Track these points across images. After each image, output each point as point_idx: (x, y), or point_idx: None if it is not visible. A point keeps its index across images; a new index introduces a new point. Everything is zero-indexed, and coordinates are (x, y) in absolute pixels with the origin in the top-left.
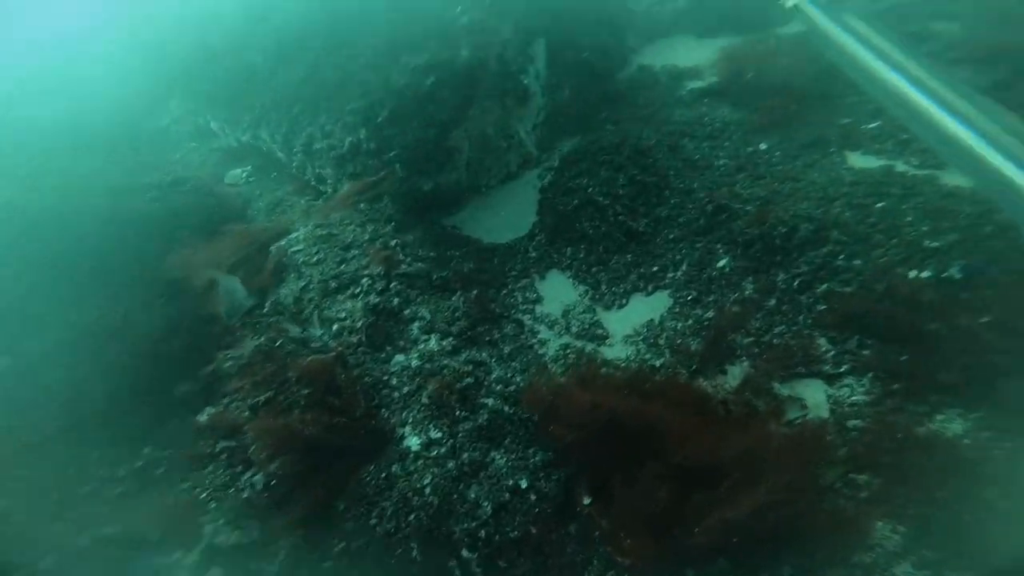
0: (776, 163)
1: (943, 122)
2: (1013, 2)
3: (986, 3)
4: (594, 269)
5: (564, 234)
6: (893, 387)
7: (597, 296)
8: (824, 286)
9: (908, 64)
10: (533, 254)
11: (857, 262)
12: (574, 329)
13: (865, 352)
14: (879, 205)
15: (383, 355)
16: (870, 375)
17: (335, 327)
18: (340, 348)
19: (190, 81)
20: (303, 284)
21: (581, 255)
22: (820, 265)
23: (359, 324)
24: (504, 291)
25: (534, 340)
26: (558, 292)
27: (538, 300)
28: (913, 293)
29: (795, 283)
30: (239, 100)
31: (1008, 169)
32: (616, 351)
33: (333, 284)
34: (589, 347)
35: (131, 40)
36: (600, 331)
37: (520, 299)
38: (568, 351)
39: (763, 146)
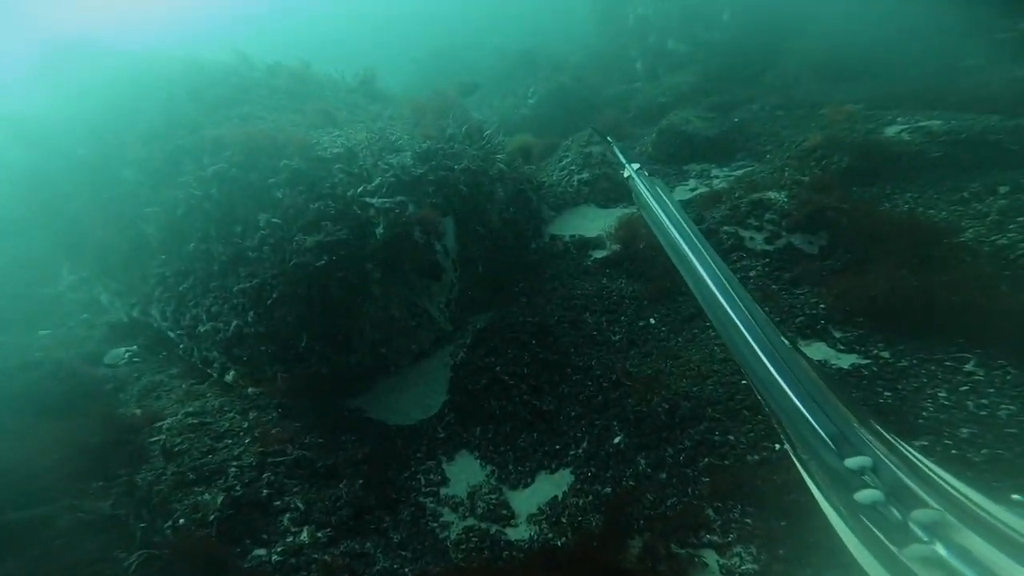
0: (662, 338)
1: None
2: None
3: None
4: (502, 448)
5: (474, 414)
6: (779, 552)
7: (504, 476)
8: (705, 460)
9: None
10: (442, 434)
11: (731, 437)
12: (479, 510)
13: (748, 520)
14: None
15: (238, 550)
16: (756, 542)
17: (182, 521)
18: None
19: (82, 246)
20: (154, 476)
21: (490, 435)
22: (700, 440)
23: (211, 517)
24: (406, 474)
25: (435, 524)
26: (465, 473)
27: (443, 482)
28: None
29: (680, 457)
30: (132, 270)
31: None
32: (521, 532)
33: (191, 476)
34: (494, 528)
35: (29, 196)
36: (506, 511)
37: (423, 481)
38: (472, 534)
39: (652, 320)
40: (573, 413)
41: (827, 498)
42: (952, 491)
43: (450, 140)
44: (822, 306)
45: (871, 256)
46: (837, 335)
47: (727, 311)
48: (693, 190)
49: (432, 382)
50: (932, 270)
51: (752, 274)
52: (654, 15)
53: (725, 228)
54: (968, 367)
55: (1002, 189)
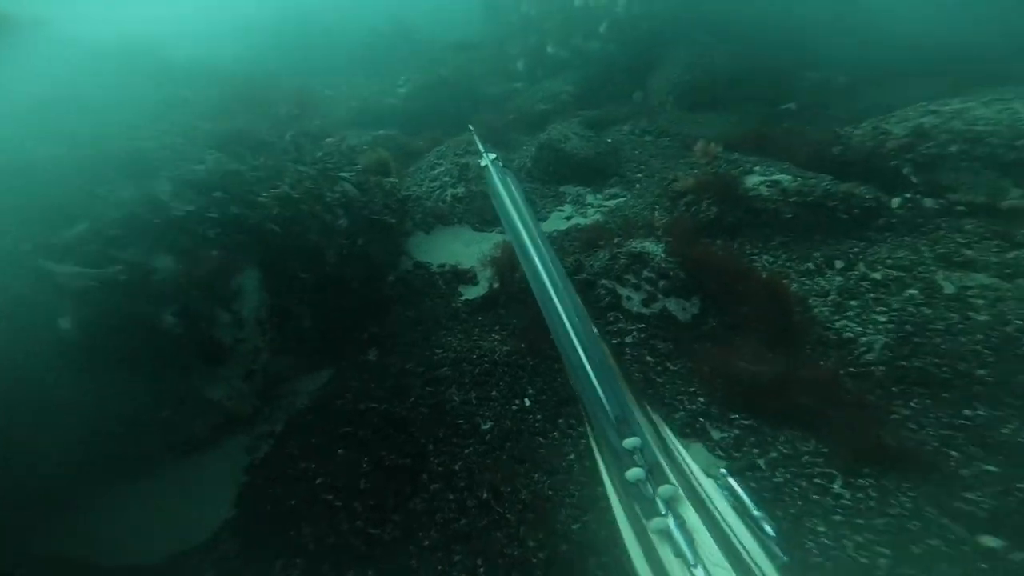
0: (537, 430)
1: None
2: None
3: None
4: None
5: (273, 543)
6: None
7: None
8: None
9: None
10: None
11: None
12: None
13: None
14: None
15: None
16: None
17: None
18: None
19: None
20: None
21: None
22: None
23: None
24: None
25: None
26: None
27: None
28: None
29: None
30: None
31: None
32: None
33: None
34: None
35: None
36: None
37: None
38: None
39: (527, 401)
40: (426, 543)
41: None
42: (688, 470)
43: (262, 151)
44: (701, 399)
45: (739, 324)
46: (715, 436)
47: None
48: (568, 218)
49: (204, 492)
50: (791, 350)
51: (628, 340)
52: (537, 15)
53: (603, 282)
54: (836, 487)
55: (838, 264)
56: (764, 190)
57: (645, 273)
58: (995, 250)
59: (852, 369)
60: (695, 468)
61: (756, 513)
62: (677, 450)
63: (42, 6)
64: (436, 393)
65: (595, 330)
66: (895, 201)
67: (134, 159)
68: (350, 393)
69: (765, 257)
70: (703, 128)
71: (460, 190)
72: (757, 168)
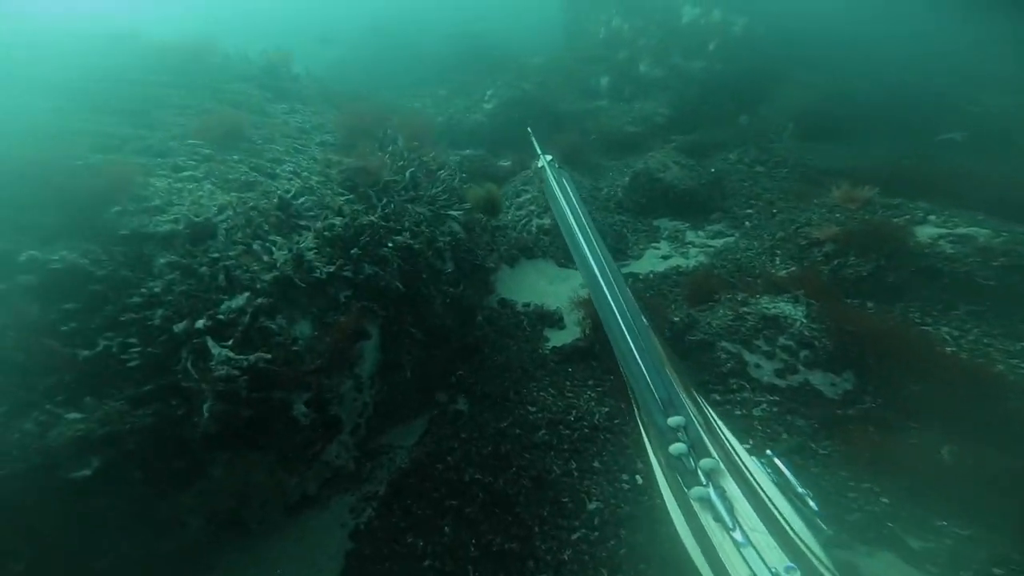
0: (656, 516)
1: None
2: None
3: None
4: None
5: None
6: None
7: None
8: None
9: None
10: None
11: None
12: None
13: None
14: None
15: None
16: None
17: None
18: None
19: None
20: None
21: None
22: None
23: None
24: None
25: None
26: None
27: None
28: None
29: None
30: None
31: None
32: None
33: None
34: None
35: None
36: None
37: None
38: None
39: (638, 478)
40: None
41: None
42: (729, 446)
43: (385, 192)
44: (883, 499)
45: (913, 408)
46: (914, 545)
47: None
48: (666, 258)
49: (315, 558)
50: (1006, 444)
51: (756, 412)
52: (629, 31)
53: (725, 344)
54: None
55: None
56: (947, 246)
57: (782, 340)
58: None
59: None
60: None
61: (800, 490)
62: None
63: None
64: (535, 462)
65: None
66: None
67: (283, 207)
68: (450, 457)
69: (945, 329)
70: (830, 160)
71: (546, 221)
72: (932, 217)
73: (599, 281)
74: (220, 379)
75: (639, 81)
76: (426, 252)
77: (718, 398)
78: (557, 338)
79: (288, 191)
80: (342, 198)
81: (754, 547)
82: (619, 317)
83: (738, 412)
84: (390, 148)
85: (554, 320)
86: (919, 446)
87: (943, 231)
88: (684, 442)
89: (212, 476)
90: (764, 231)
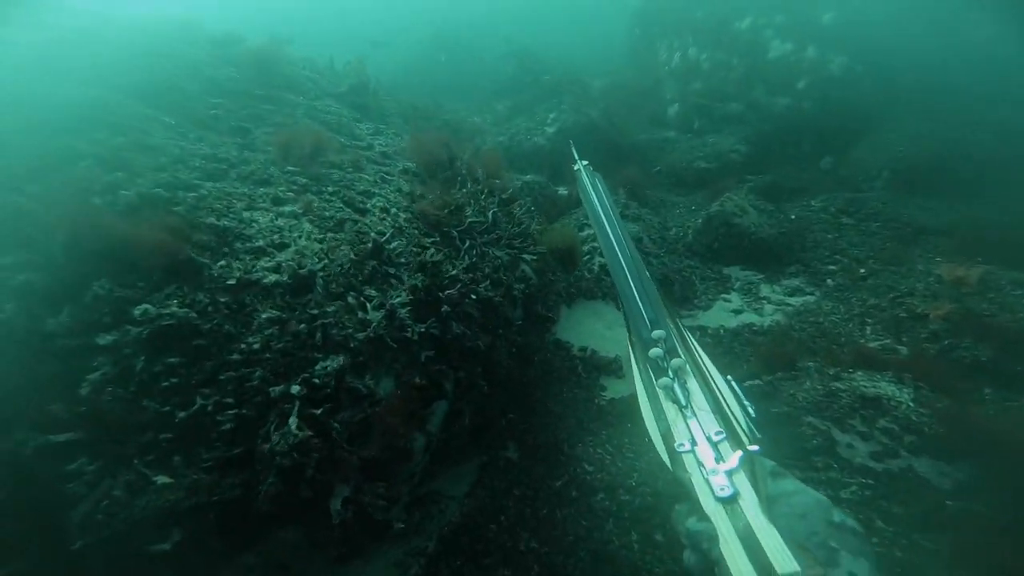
0: None
1: None
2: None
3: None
4: None
5: None
6: None
7: None
8: None
9: None
10: None
11: None
12: None
13: None
14: None
15: None
16: None
17: None
18: None
19: None
20: None
21: None
22: None
23: None
24: None
25: None
26: None
27: None
28: None
29: None
30: None
31: None
32: None
33: None
34: None
35: None
36: None
37: None
38: None
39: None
40: None
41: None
42: (697, 353)
43: (468, 234)
44: None
45: None
46: None
47: None
48: (738, 312)
49: None
50: None
51: (844, 495)
52: (708, 62)
53: (811, 419)
54: None
55: None
56: None
57: (882, 423)
58: None
59: None
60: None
61: (746, 402)
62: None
63: None
64: (593, 529)
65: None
66: None
67: (376, 254)
68: (504, 516)
69: None
70: (929, 216)
71: (599, 262)
72: None
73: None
74: (286, 452)
75: (712, 115)
76: (501, 299)
77: (799, 475)
78: (615, 388)
79: (382, 233)
80: (429, 240)
81: (697, 418)
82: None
83: (824, 492)
84: (469, 185)
85: (612, 369)
86: None
87: None
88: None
89: (277, 537)
90: (851, 294)
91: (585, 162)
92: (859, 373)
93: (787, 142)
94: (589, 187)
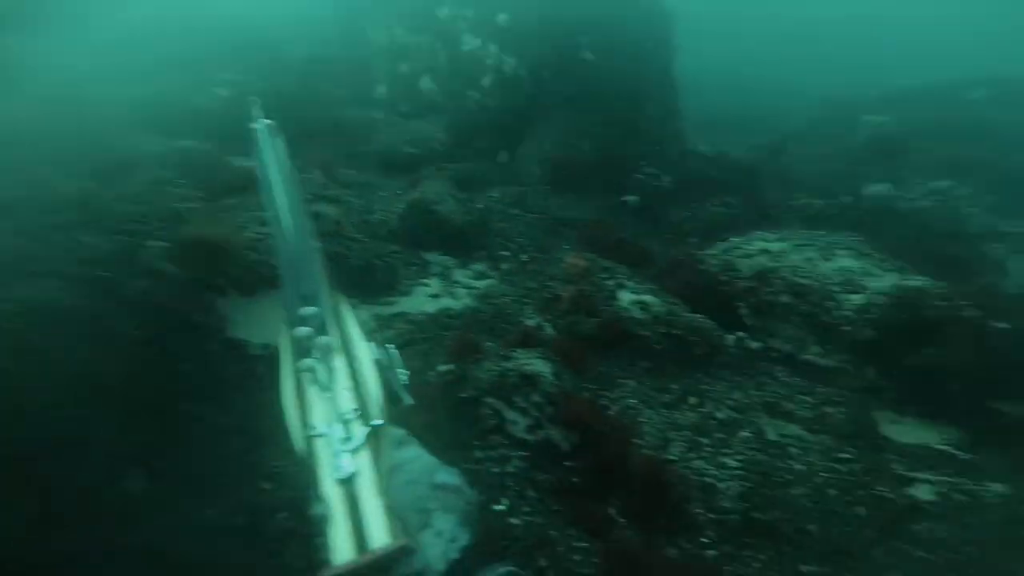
0: None
1: None
2: None
3: None
4: None
5: None
6: None
7: None
8: None
9: None
10: None
11: None
12: None
13: None
14: None
15: None
16: None
17: None
18: None
19: None
20: None
21: None
22: None
23: None
24: None
25: None
26: None
27: None
28: None
29: None
30: None
31: None
32: None
33: None
34: None
35: None
36: None
37: None
38: None
39: None
40: None
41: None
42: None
43: None
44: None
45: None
46: None
47: None
48: (435, 296)
49: None
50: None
51: (509, 468)
52: (413, 48)
53: (490, 400)
54: None
55: (691, 400)
56: (638, 312)
57: (535, 397)
58: (807, 405)
59: (712, 515)
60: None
61: (400, 370)
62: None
63: None
64: None
65: None
66: (730, 339)
67: None
68: None
69: (631, 383)
70: (567, 211)
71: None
72: (629, 284)
73: None
74: None
75: (419, 99)
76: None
77: (479, 455)
78: None
79: None
80: None
81: (334, 399)
82: None
83: (495, 469)
84: None
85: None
86: None
87: (635, 298)
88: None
89: None
90: (516, 277)
91: (269, 121)
92: (519, 351)
93: (477, 134)
94: (267, 149)
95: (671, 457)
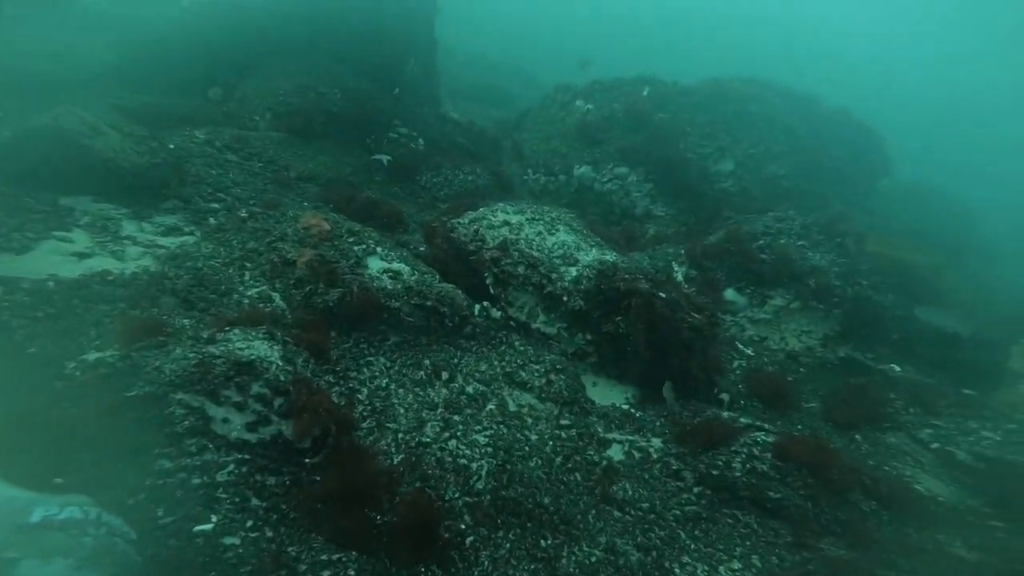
0: None
1: None
2: None
3: None
4: None
5: None
6: None
7: None
8: None
9: None
10: None
11: None
12: None
13: None
14: None
15: None
16: None
17: None
18: None
19: None
20: None
21: None
22: None
23: None
24: None
25: None
26: None
27: None
28: None
29: None
30: None
31: None
32: None
33: None
34: None
35: None
36: None
37: None
38: None
39: None
40: None
41: None
42: None
43: None
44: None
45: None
46: None
47: None
48: (84, 257)
49: None
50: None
51: (221, 477)
52: None
53: (182, 396)
54: None
55: (444, 375)
56: (388, 281)
57: (256, 388)
58: (537, 373)
59: (467, 499)
60: None
61: None
62: None
63: None
64: None
65: None
66: (476, 308)
67: None
68: None
69: (382, 360)
70: (303, 162)
71: None
72: (379, 249)
73: None
74: None
75: (70, 7)
76: None
77: (169, 464)
78: None
79: None
80: None
81: None
82: None
83: (196, 480)
84: None
85: None
86: None
87: (385, 265)
88: None
89: None
90: (233, 236)
91: None
92: (236, 331)
93: (173, 61)
94: None
95: (426, 439)
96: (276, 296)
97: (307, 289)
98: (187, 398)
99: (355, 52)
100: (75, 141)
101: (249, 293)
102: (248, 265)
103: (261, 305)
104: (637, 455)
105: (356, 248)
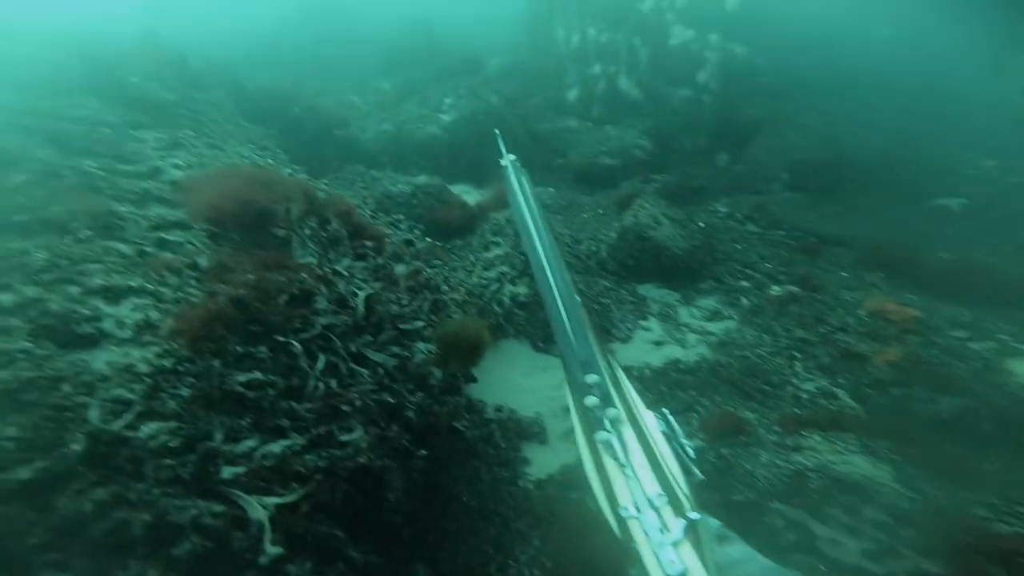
0: None
1: None
2: None
3: None
4: None
5: None
6: None
7: None
8: None
9: None
10: None
11: None
12: None
13: None
14: None
15: None
16: None
17: None
18: None
19: None
20: None
21: None
22: None
23: None
24: None
25: None
26: None
27: None
28: None
29: None
30: None
31: None
32: None
33: None
34: None
35: None
36: None
37: None
38: None
39: None
40: None
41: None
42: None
43: (328, 349)
44: None
45: None
46: None
47: None
48: (659, 344)
49: None
50: None
51: None
52: (607, 44)
53: (778, 506)
54: None
55: None
56: None
57: (868, 512)
58: None
59: None
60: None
61: (684, 441)
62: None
63: None
64: None
65: None
66: None
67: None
68: None
69: None
70: (831, 225)
71: (521, 289)
72: (1017, 343)
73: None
74: None
75: (615, 101)
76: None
77: None
78: (540, 461)
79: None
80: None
81: (637, 478)
82: None
83: None
84: (316, 255)
85: (533, 432)
86: None
87: None
88: None
89: None
90: (773, 321)
91: (512, 157)
92: (817, 437)
93: (683, 136)
94: (516, 189)
95: None
96: (841, 393)
97: (897, 393)
98: (784, 509)
99: (896, 89)
100: (645, 233)
101: (805, 387)
102: (797, 355)
103: (823, 401)
104: None
105: (974, 346)
